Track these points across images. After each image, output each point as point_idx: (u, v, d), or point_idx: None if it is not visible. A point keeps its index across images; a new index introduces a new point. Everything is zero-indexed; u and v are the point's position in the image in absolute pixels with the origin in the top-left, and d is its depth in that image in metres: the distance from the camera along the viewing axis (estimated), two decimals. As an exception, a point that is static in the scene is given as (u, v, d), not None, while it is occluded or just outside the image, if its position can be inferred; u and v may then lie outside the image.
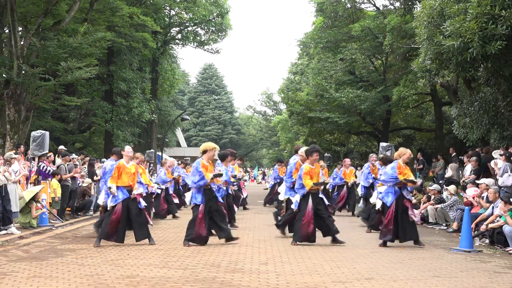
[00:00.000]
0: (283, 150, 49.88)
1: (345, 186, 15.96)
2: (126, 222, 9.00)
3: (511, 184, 11.06)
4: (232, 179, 11.91)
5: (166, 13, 31.48)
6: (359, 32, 23.13)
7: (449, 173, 16.11)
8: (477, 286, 6.01)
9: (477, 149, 15.63)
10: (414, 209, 9.57)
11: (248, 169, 58.67)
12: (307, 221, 9.10)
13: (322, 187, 9.49)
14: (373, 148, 28.15)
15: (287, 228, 10.23)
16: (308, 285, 5.87)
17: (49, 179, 12.52)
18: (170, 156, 38.98)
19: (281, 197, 10.43)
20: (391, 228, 9.06)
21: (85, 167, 15.56)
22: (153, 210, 13.11)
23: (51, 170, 12.61)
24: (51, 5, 18.42)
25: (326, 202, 9.53)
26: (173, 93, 37.47)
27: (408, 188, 9.41)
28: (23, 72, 17.30)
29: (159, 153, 30.00)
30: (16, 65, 17.21)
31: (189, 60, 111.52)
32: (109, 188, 8.98)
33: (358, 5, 25.65)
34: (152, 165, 16.62)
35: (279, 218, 10.83)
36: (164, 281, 5.96)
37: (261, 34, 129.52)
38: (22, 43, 17.77)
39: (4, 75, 17.51)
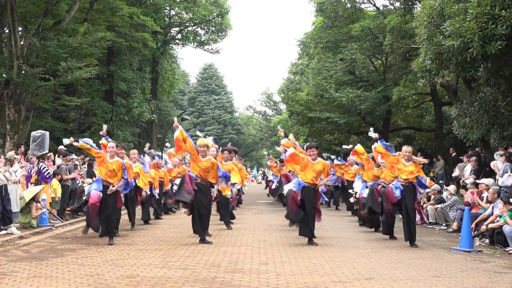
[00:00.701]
0: (283, 150, 49.77)
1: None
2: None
3: (511, 184, 11.07)
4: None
5: (166, 13, 31.49)
6: (359, 32, 23.12)
7: (456, 172, 16.10)
8: (477, 286, 6.01)
9: (477, 149, 15.64)
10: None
11: (248, 169, 58.64)
12: (291, 199, 9.19)
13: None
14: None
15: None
16: (308, 285, 5.87)
17: (49, 182, 12.51)
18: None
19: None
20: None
21: (84, 167, 15.57)
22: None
23: (51, 173, 12.59)
24: (51, 5, 18.42)
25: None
26: (173, 93, 37.47)
27: (421, 190, 9.48)
28: (23, 72, 17.29)
29: (159, 153, 29.99)
30: (16, 65, 17.21)
31: (189, 60, 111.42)
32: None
33: (358, 5, 25.62)
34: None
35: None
36: (164, 281, 5.96)
37: (261, 34, 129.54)
38: (22, 43, 17.76)
39: (4, 75, 17.49)
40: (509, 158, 11.62)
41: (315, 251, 8.44)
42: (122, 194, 9.46)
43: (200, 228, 9.23)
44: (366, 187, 11.70)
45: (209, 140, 10.28)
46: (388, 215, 9.72)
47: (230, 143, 17.17)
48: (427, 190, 13.77)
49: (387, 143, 10.25)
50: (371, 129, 10.90)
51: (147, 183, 11.77)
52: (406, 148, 9.52)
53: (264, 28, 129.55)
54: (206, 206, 9.31)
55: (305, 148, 9.74)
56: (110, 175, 9.16)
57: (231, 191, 10.92)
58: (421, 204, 13.92)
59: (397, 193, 9.30)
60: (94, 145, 9.49)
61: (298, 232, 9.58)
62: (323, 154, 22.06)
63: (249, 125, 67.50)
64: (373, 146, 10.72)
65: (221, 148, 13.07)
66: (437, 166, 18.73)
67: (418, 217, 13.76)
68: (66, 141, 9.62)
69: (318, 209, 9.50)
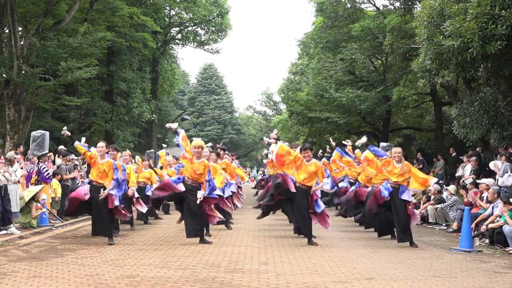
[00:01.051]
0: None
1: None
2: (88, 207, 9.29)
3: (511, 184, 11.07)
4: None
5: (166, 13, 31.48)
6: (359, 32, 23.12)
7: (459, 172, 16.09)
8: (477, 286, 6.01)
9: (478, 149, 15.62)
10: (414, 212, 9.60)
11: (248, 169, 58.60)
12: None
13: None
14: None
15: None
16: (308, 285, 5.87)
17: (49, 182, 12.50)
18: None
19: None
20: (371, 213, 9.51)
21: (85, 167, 15.57)
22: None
23: (50, 174, 12.57)
24: (51, 5, 18.42)
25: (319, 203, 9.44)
26: (173, 93, 37.46)
27: (408, 191, 9.35)
28: (23, 72, 17.29)
29: (159, 153, 29.95)
30: (16, 65, 17.21)
31: (189, 60, 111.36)
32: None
33: (358, 5, 25.62)
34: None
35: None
36: (164, 281, 5.96)
37: (261, 34, 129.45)
38: (22, 43, 17.76)
39: (4, 75, 17.50)
40: (509, 158, 11.62)
41: (315, 251, 8.44)
42: (115, 196, 9.18)
43: (194, 228, 9.07)
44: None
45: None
46: (370, 214, 9.68)
47: (221, 143, 16.95)
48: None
49: (377, 149, 10.11)
50: (361, 140, 10.61)
51: (135, 183, 11.51)
52: (396, 149, 9.40)
53: (264, 28, 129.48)
54: (199, 205, 9.10)
55: (299, 149, 9.69)
56: (101, 176, 9.10)
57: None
58: (420, 204, 13.93)
59: (386, 193, 9.23)
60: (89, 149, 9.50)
61: (294, 231, 9.85)
62: (324, 154, 22.03)
63: (249, 125, 67.51)
64: (363, 154, 10.72)
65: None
66: (437, 166, 18.73)
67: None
68: (64, 130, 9.78)
69: (319, 212, 9.31)
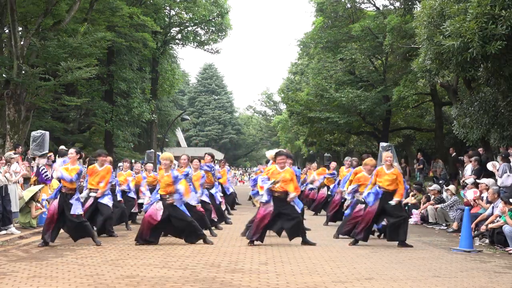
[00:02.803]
0: (283, 150, 49.71)
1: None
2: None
3: (510, 184, 11.07)
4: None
5: (166, 13, 31.47)
6: (359, 32, 23.11)
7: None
8: (477, 286, 6.01)
9: (479, 150, 15.61)
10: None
11: (248, 169, 58.67)
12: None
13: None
14: (373, 148, 28.09)
15: None
16: (308, 285, 5.87)
17: (48, 183, 12.47)
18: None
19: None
20: (364, 228, 9.20)
21: (85, 167, 15.53)
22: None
23: (49, 176, 12.54)
24: (51, 5, 18.40)
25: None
26: (173, 93, 37.45)
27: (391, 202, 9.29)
28: (23, 72, 17.27)
29: (159, 153, 29.98)
30: (16, 65, 17.19)
31: (189, 60, 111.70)
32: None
33: (358, 5, 25.61)
34: (152, 165, 16.54)
35: None
36: (164, 281, 5.96)
37: (261, 34, 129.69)
38: (22, 43, 17.74)
39: (4, 75, 17.48)
40: (507, 158, 11.62)
41: (315, 251, 8.44)
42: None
43: (193, 236, 9.06)
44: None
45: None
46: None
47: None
48: (432, 188, 13.75)
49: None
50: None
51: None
52: (386, 154, 9.43)
53: (264, 28, 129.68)
54: (184, 216, 8.99)
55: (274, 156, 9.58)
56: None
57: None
58: (420, 204, 13.93)
59: (371, 198, 9.16)
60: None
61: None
62: (324, 154, 22.03)
63: (249, 125, 67.58)
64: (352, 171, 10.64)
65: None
66: (437, 168, 18.73)
67: (417, 217, 13.75)
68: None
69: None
